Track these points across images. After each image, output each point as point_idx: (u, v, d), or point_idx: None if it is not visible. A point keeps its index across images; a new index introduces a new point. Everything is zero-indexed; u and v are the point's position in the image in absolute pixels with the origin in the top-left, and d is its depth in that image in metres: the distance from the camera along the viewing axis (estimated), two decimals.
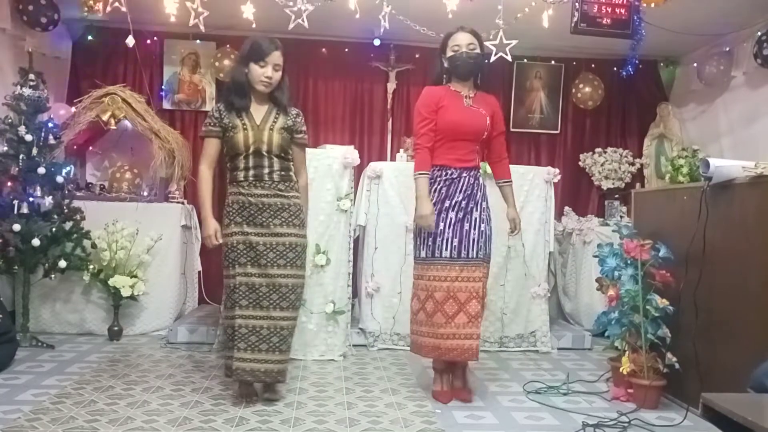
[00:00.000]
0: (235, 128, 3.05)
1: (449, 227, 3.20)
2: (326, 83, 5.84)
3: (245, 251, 3.04)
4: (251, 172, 3.06)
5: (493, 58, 4.37)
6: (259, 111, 3.11)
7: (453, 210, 3.22)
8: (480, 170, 3.35)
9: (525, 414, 3.08)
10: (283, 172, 3.11)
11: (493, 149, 3.45)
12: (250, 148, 3.04)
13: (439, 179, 3.26)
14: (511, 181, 3.52)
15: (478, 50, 3.28)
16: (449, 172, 3.26)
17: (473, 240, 3.19)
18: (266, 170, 3.07)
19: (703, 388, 2.91)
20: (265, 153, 3.05)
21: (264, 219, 3.05)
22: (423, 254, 3.26)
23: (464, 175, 3.26)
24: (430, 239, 3.22)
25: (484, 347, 4.42)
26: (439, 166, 3.27)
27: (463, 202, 3.22)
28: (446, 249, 3.19)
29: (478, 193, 3.27)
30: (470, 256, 3.18)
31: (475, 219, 3.21)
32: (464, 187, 3.24)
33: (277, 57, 3.04)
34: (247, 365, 3.00)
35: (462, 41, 3.27)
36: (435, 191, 3.25)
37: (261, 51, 3.02)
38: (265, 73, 3.03)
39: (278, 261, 3.04)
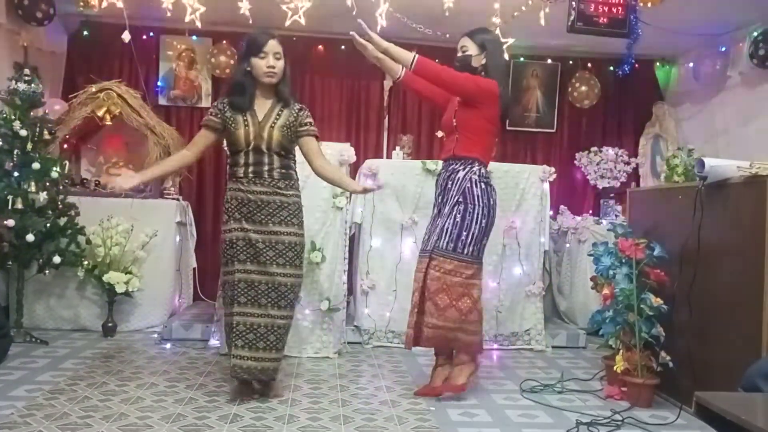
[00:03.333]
0: (236, 124, 3.05)
1: (430, 223, 3.35)
2: (322, 80, 5.84)
3: (245, 248, 3.03)
4: (251, 169, 3.05)
5: None
6: (263, 107, 3.10)
7: (435, 207, 3.36)
8: (460, 160, 3.24)
9: (519, 412, 3.09)
10: (283, 170, 3.09)
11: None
12: (251, 144, 3.04)
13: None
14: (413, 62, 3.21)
15: (469, 52, 3.29)
16: (441, 168, 3.39)
17: (433, 233, 3.25)
18: (266, 167, 3.05)
19: (696, 386, 2.90)
20: (264, 150, 3.04)
21: (263, 216, 3.04)
22: None
23: (442, 170, 3.34)
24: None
25: None
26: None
27: (440, 198, 3.32)
28: (422, 242, 3.35)
29: (452, 188, 3.23)
30: (426, 248, 3.27)
31: (444, 214, 3.23)
32: (441, 183, 3.33)
33: (274, 45, 3.04)
34: (244, 363, 3.00)
35: (458, 45, 3.36)
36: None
37: (258, 43, 3.02)
38: (267, 63, 3.03)
39: (277, 260, 3.03)
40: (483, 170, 3.25)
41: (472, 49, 3.30)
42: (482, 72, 3.29)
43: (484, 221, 3.21)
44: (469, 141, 3.26)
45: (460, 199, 3.20)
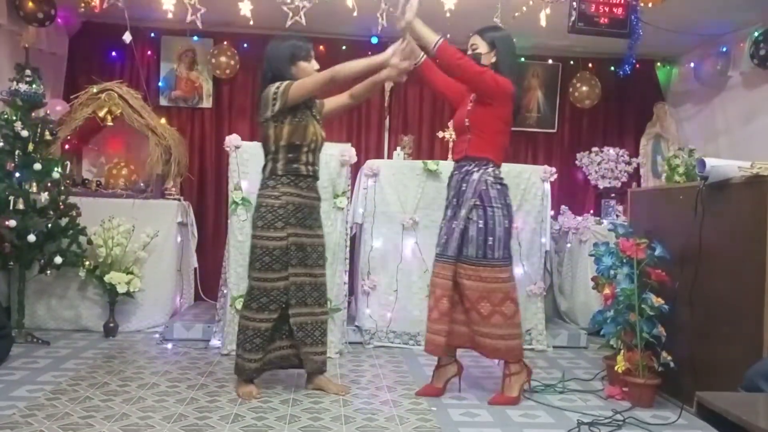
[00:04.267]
0: (306, 116, 3.10)
1: (445, 224, 3.27)
2: None
3: (296, 253, 3.12)
4: (311, 168, 3.15)
5: None
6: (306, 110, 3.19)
7: (449, 208, 3.28)
8: (473, 162, 3.19)
9: (520, 412, 3.09)
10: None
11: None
12: (317, 141, 3.14)
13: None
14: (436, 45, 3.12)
15: (479, 50, 3.25)
16: (453, 169, 3.34)
17: (455, 239, 3.19)
18: (318, 167, 3.20)
19: (697, 386, 2.89)
20: (319, 149, 3.18)
21: (311, 221, 3.18)
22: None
23: (455, 172, 3.29)
24: (438, 236, 3.31)
25: None
26: None
27: (454, 200, 3.26)
28: (438, 245, 3.28)
29: (468, 190, 3.18)
30: (448, 254, 3.21)
31: (461, 217, 3.17)
32: (454, 184, 3.27)
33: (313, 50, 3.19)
34: (312, 358, 3.22)
35: (468, 44, 3.32)
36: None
37: (307, 48, 3.15)
38: (314, 67, 3.15)
39: (318, 261, 3.22)
40: (497, 171, 3.22)
41: (482, 47, 3.26)
42: (493, 70, 3.23)
43: (507, 222, 3.18)
44: (482, 141, 3.21)
45: (477, 202, 3.15)
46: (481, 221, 3.15)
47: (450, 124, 4.88)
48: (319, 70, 3.16)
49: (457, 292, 3.22)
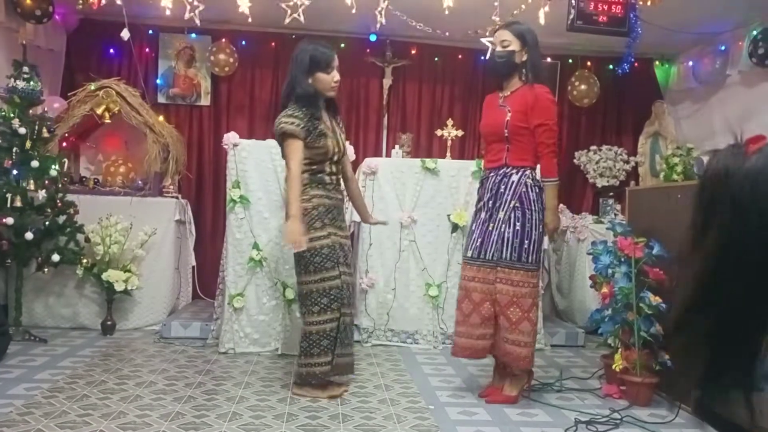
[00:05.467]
0: (323, 135, 3.11)
1: (477, 227, 3.22)
2: None
3: (340, 250, 3.15)
4: (334, 177, 3.22)
5: (488, 55, 4.36)
6: (325, 119, 3.20)
7: (484, 210, 3.22)
8: (512, 167, 3.16)
9: (518, 410, 3.09)
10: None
11: (531, 145, 3.16)
12: (337, 154, 3.18)
13: (482, 181, 3.35)
14: (550, 180, 3.16)
15: (512, 47, 3.16)
16: (483, 174, 3.33)
17: (492, 242, 3.14)
18: (340, 175, 3.27)
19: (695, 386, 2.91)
20: (340, 158, 3.23)
21: (341, 222, 3.23)
22: (464, 253, 3.32)
23: (491, 174, 3.23)
24: (468, 239, 3.29)
25: None
26: (484, 167, 3.39)
27: (490, 202, 3.19)
28: (470, 248, 3.23)
29: (507, 192, 3.13)
30: (487, 257, 3.16)
31: (499, 219, 3.13)
32: (491, 186, 3.21)
33: (337, 60, 3.16)
34: (350, 359, 3.28)
35: (497, 39, 3.22)
36: (477, 192, 3.36)
37: (327, 58, 3.11)
38: (334, 78, 3.15)
39: (347, 260, 3.22)
40: (535, 173, 3.19)
41: (514, 43, 3.15)
42: (524, 69, 3.17)
43: (541, 226, 3.15)
44: (521, 150, 3.16)
45: (517, 205, 3.11)
46: (518, 223, 3.11)
47: (449, 122, 4.89)
48: (338, 82, 3.17)
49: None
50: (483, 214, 3.21)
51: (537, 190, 3.14)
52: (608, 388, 3.39)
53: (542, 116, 3.11)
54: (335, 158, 3.18)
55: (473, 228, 3.26)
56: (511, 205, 3.12)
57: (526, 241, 3.10)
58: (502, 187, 3.15)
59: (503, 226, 3.11)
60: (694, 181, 3.31)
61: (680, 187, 3.44)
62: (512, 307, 3.10)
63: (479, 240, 3.18)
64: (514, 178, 3.14)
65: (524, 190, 3.13)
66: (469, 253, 3.22)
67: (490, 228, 3.16)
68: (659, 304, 3.18)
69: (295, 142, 3.04)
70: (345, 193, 3.40)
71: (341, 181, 3.32)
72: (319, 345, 3.09)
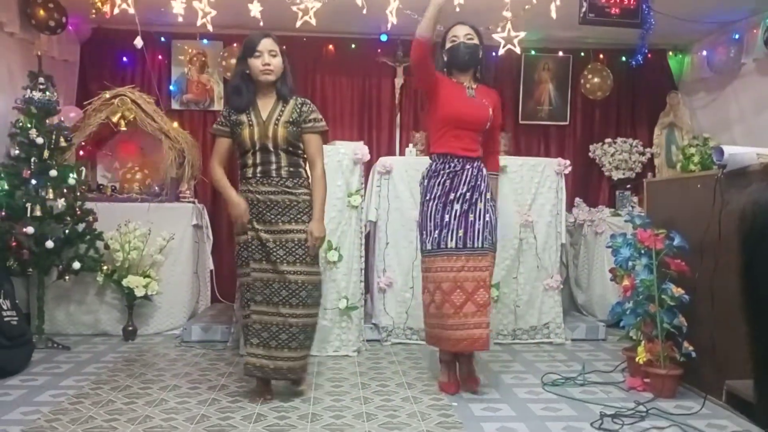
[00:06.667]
0: (241, 125, 3.07)
1: (455, 218, 3.22)
2: (334, 80, 5.84)
3: (259, 248, 3.06)
4: (259, 169, 3.08)
5: (501, 51, 4.35)
6: (266, 106, 3.11)
7: (458, 202, 3.23)
8: (481, 161, 3.34)
9: (542, 405, 3.08)
10: (291, 168, 3.10)
11: (487, 141, 3.42)
12: (257, 144, 3.06)
13: (442, 172, 3.27)
14: (497, 175, 3.62)
15: (476, 41, 3.30)
16: (453, 163, 3.26)
17: (478, 230, 3.20)
18: (273, 166, 3.07)
19: (720, 376, 2.88)
20: (271, 149, 3.06)
21: (272, 216, 3.06)
22: (429, 246, 3.27)
23: (468, 167, 3.26)
24: (436, 231, 3.23)
25: (497, 340, 4.43)
26: (443, 154, 3.29)
27: (468, 194, 3.24)
28: (452, 240, 3.21)
29: (482, 185, 3.27)
30: (476, 245, 3.20)
31: (480, 209, 3.23)
32: (468, 179, 3.25)
33: (268, 43, 3.07)
34: (257, 360, 3.03)
35: (460, 32, 3.31)
36: (439, 184, 3.27)
37: (251, 44, 3.07)
38: (263, 61, 3.05)
39: (287, 258, 3.04)
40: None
41: (475, 39, 3.32)
42: (479, 66, 3.37)
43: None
44: (481, 142, 3.37)
45: (490, 196, 3.30)
46: (495, 211, 3.31)
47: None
48: (267, 64, 3.04)
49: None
50: (458, 206, 3.23)
51: (486, 180, 3.34)
52: (632, 381, 3.36)
53: (500, 118, 3.49)
54: (257, 147, 3.06)
55: (448, 220, 3.21)
56: (487, 197, 3.28)
57: (496, 228, 3.32)
58: (479, 179, 3.28)
59: (486, 215, 3.23)
60: (712, 171, 3.29)
61: (700, 178, 3.41)
62: (480, 290, 3.17)
63: (460, 231, 3.21)
64: (484, 171, 3.32)
65: (488, 182, 3.33)
66: (451, 244, 3.20)
67: (471, 218, 3.22)
68: (682, 295, 3.15)
69: (217, 140, 3.18)
70: (300, 185, 3.12)
71: (285, 172, 3.08)
72: (245, 336, 3.15)
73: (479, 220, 3.21)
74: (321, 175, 3.15)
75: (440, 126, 3.29)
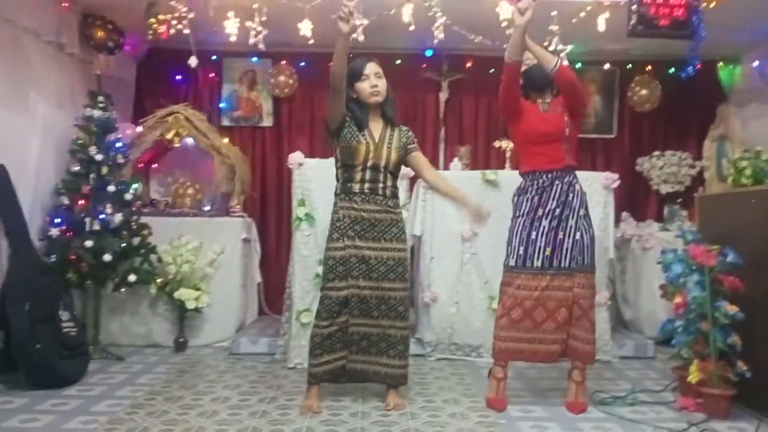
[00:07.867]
0: (356, 139, 3.18)
1: (542, 236, 3.21)
2: None
3: (357, 264, 3.18)
4: (367, 186, 3.21)
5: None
6: (376, 129, 3.25)
7: (546, 218, 3.22)
8: (571, 172, 3.27)
9: (592, 425, 3.04)
10: (394, 189, 3.28)
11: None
12: (369, 162, 3.19)
13: (530, 188, 3.28)
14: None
15: (533, 62, 3.38)
16: (541, 179, 3.25)
17: (567, 249, 3.19)
18: (380, 185, 3.22)
19: None
20: (381, 169, 3.20)
21: (376, 234, 3.20)
22: (512, 263, 3.27)
23: (557, 182, 3.23)
24: (521, 248, 3.23)
25: None
26: (530, 171, 3.31)
27: (557, 210, 3.21)
28: (538, 259, 3.21)
29: (575, 200, 3.22)
30: (562, 265, 3.18)
31: (570, 227, 3.20)
32: (557, 194, 3.22)
33: (373, 66, 3.21)
34: (358, 366, 3.25)
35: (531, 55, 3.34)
36: (528, 200, 3.28)
37: (357, 69, 3.19)
38: (371, 83, 3.18)
39: (389, 275, 3.20)
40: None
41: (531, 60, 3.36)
42: (553, 83, 3.35)
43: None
44: (575, 151, 3.35)
45: (586, 213, 3.27)
46: (591, 230, 3.26)
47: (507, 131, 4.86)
48: (375, 85, 3.18)
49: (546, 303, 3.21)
50: (546, 222, 3.21)
51: (581, 196, 3.27)
52: (684, 401, 3.30)
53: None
54: (368, 165, 3.18)
55: (535, 237, 3.21)
56: (580, 213, 3.22)
57: (594, 246, 3.27)
58: (570, 195, 3.22)
59: (577, 233, 3.19)
60: (766, 185, 3.22)
61: (754, 192, 3.34)
62: (561, 309, 3.18)
63: (548, 249, 3.19)
64: (577, 186, 3.26)
65: (585, 198, 3.28)
66: (537, 263, 3.19)
67: (561, 236, 3.19)
68: (735, 313, 3.09)
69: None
70: (398, 205, 3.31)
71: (389, 192, 3.24)
72: (311, 346, 3.23)
73: (568, 238, 3.19)
74: (443, 177, 3.52)
75: (523, 145, 3.35)
